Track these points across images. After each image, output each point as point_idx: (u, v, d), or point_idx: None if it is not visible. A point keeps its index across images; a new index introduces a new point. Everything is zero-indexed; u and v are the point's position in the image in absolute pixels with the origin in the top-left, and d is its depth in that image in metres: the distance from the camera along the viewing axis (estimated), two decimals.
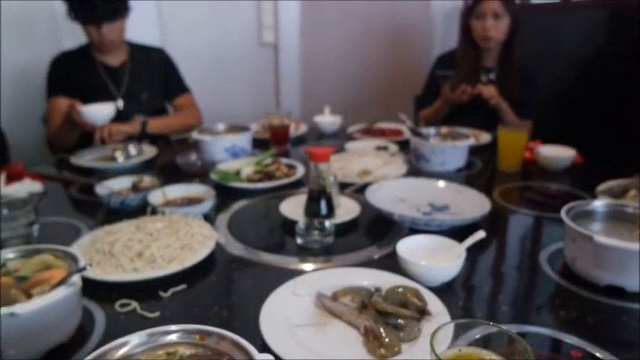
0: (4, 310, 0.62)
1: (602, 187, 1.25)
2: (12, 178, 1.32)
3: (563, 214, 0.91)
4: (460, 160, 1.54)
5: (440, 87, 1.96)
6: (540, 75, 2.05)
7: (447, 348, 0.53)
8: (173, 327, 0.55)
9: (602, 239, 0.82)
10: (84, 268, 0.71)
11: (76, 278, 0.70)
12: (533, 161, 1.58)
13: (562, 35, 2.33)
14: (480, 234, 0.91)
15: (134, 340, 0.54)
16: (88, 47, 1.88)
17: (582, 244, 0.86)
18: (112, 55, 1.89)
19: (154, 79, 1.97)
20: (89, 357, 0.51)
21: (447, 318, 0.72)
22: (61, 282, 0.68)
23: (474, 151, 1.66)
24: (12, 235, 0.92)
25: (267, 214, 1.26)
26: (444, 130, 1.65)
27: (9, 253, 0.76)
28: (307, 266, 0.95)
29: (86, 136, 1.72)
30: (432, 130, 1.64)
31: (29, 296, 0.68)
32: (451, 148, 1.50)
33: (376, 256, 0.99)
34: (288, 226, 1.10)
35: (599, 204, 0.97)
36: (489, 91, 1.87)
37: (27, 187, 1.28)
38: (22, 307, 0.63)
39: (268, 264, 0.96)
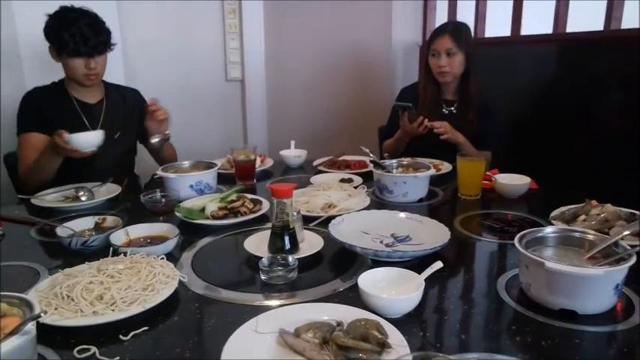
0: None
1: (555, 212, 1.30)
2: None
3: (516, 241, 0.95)
4: (422, 190, 1.58)
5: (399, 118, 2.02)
6: (496, 106, 2.14)
7: None
8: None
9: (553, 265, 0.85)
10: (39, 316, 0.70)
11: (31, 326, 0.69)
12: (492, 189, 1.64)
13: (514, 68, 2.45)
14: (438, 264, 0.94)
15: None
16: (61, 83, 1.88)
17: (535, 270, 0.89)
18: (89, 92, 1.89)
19: (128, 119, 1.97)
20: None
21: (407, 350, 0.74)
22: (14, 331, 0.67)
23: (435, 180, 1.71)
24: None
25: (231, 250, 1.26)
26: (406, 161, 1.70)
27: None
28: (272, 302, 0.95)
29: (64, 169, 1.71)
30: (394, 162, 1.69)
31: None
32: (412, 179, 1.55)
33: (341, 289, 1.00)
34: (253, 262, 1.11)
35: (549, 230, 1.02)
36: (441, 126, 1.95)
37: None
38: None
39: (232, 301, 0.96)
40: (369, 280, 0.91)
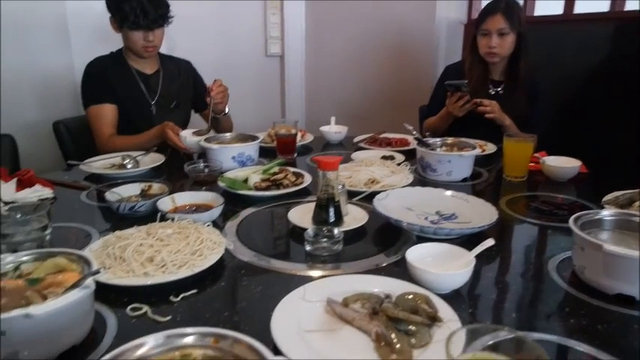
0: (19, 311, 0.63)
1: (609, 197, 1.25)
2: (23, 184, 1.33)
3: (571, 222, 0.92)
4: (466, 169, 1.54)
5: (446, 97, 1.97)
6: (544, 89, 2.06)
7: (460, 353, 0.53)
8: (189, 329, 0.56)
9: (611, 248, 0.82)
10: (98, 271, 0.71)
11: (90, 281, 0.70)
12: (539, 171, 1.59)
13: (565, 48, 2.35)
14: (489, 242, 0.92)
15: (150, 341, 0.54)
16: (119, 53, 1.93)
17: (591, 253, 0.86)
18: (146, 62, 1.94)
19: (183, 88, 2.02)
20: (106, 357, 0.51)
21: (458, 324, 0.72)
22: (76, 284, 0.69)
23: (479, 161, 1.67)
24: (25, 238, 0.93)
25: (274, 221, 1.27)
26: (450, 140, 1.66)
27: (23, 256, 0.77)
28: (316, 273, 0.95)
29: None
30: (438, 140, 1.65)
31: (44, 298, 0.69)
32: (457, 158, 1.51)
33: (384, 264, 0.99)
34: (296, 233, 1.11)
35: (607, 213, 0.98)
36: (490, 104, 1.89)
37: (37, 192, 1.29)
38: (37, 309, 0.63)
39: (277, 270, 0.97)
40: (416, 255, 0.90)
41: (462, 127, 1.97)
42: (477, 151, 1.55)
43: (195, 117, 2.15)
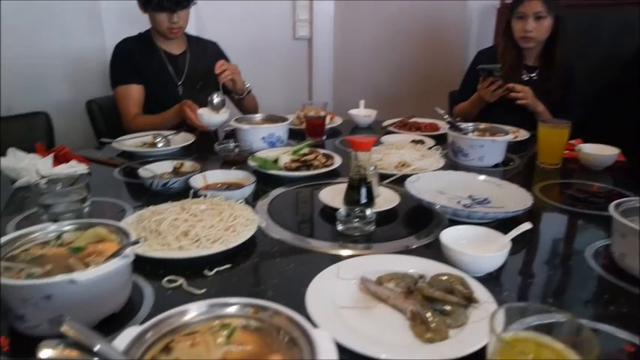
0: (64, 277, 0.64)
1: None
2: (59, 160, 1.36)
3: (612, 209, 0.89)
4: (498, 155, 1.52)
5: (478, 82, 1.93)
6: (581, 73, 2.00)
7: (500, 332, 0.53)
8: (232, 299, 0.56)
9: None
10: (137, 242, 0.73)
11: (129, 251, 0.72)
12: (573, 159, 1.55)
13: (603, 32, 2.27)
14: (527, 225, 0.90)
15: (193, 308, 0.55)
16: (148, 34, 1.95)
17: (633, 241, 0.84)
18: (173, 43, 1.96)
19: (209, 69, 2.01)
20: (150, 321, 0.52)
21: (495, 306, 0.72)
22: (116, 253, 0.70)
23: (511, 147, 1.64)
24: (65, 209, 0.95)
25: (305, 201, 1.27)
26: (483, 125, 1.63)
27: (65, 226, 0.79)
28: (347, 252, 0.95)
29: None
30: (470, 125, 1.63)
31: (85, 265, 0.70)
32: (490, 143, 1.49)
33: (414, 246, 0.98)
34: (327, 213, 1.11)
35: None
36: (523, 90, 1.84)
37: (73, 168, 1.32)
38: (81, 275, 0.65)
39: (308, 248, 0.97)
40: (450, 237, 0.88)
41: (493, 113, 1.94)
42: (510, 137, 1.53)
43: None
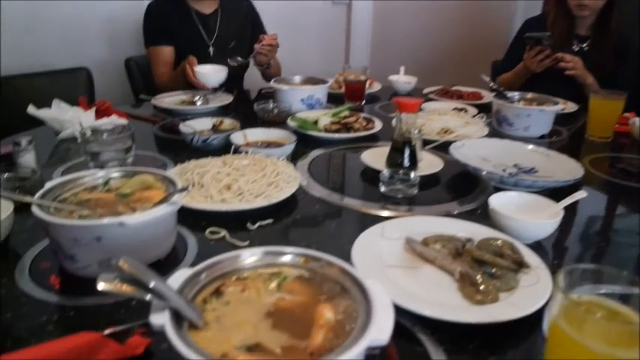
0: (115, 219, 0.65)
1: None
2: (100, 114, 1.37)
3: None
4: (545, 125, 1.46)
5: (524, 51, 1.85)
6: (635, 46, 1.89)
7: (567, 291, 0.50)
8: (287, 248, 0.56)
9: None
10: (186, 189, 0.72)
11: (177, 198, 0.71)
12: (624, 133, 1.48)
13: None
14: (581, 194, 0.86)
15: (246, 254, 0.55)
16: None
17: None
18: (205, 2, 1.91)
19: (241, 28, 1.99)
20: (204, 263, 0.52)
21: (547, 272, 0.69)
22: (164, 200, 0.70)
23: (557, 119, 1.57)
24: (111, 158, 0.95)
25: (346, 162, 1.25)
26: (530, 95, 1.56)
27: (113, 172, 0.79)
28: (388, 214, 0.93)
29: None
30: (516, 94, 1.56)
31: (133, 211, 0.71)
32: (538, 113, 1.43)
33: (455, 212, 0.96)
34: (369, 174, 1.10)
35: None
36: (572, 60, 1.75)
37: (114, 122, 1.32)
38: (130, 219, 0.65)
39: (350, 208, 0.96)
40: (499, 202, 0.86)
41: (538, 85, 1.85)
42: (560, 107, 1.46)
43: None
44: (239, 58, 1.78)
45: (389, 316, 0.46)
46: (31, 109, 1.28)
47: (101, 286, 0.45)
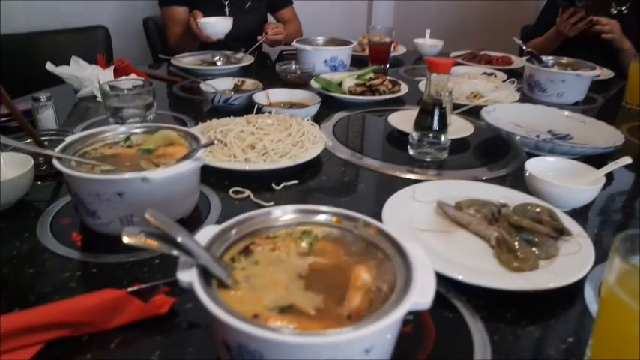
0: (137, 174, 0.62)
1: None
2: (119, 73, 1.34)
3: None
4: (580, 92, 1.39)
5: (557, 15, 1.76)
6: None
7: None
8: (321, 207, 0.53)
9: None
10: (212, 143, 0.70)
11: (201, 154, 0.68)
12: None
13: None
14: (625, 160, 0.81)
15: (277, 212, 0.52)
16: None
17: None
18: None
19: None
20: (233, 219, 0.49)
21: (588, 240, 0.65)
22: (188, 155, 0.67)
23: (592, 86, 1.50)
24: (132, 114, 0.93)
25: (371, 124, 1.21)
26: (565, 59, 1.49)
27: (135, 128, 0.76)
28: (415, 177, 0.90)
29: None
30: (550, 59, 1.49)
31: (156, 167, 0.68)
32: (573, 78, 1.36)
33: (484, 178, 0.91)
34: (396, 137, 1.06)
35: None
36: (609, 23, 1.66)
37: (134, 81, 1.29)
38: (153, 174, 0.62)
39: (377, 170, 0.92)
40: (535, 168, 0.81)
41: (571, 50, 1.76)
42: (597, 72, 1.38)
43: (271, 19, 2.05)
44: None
45: (431, 279, 0.43)
46: (50, 66, 1.25)
47: (126, 239, 0.43)
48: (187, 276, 0.42)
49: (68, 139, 0.71)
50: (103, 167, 0.67)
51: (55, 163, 0.64)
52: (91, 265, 0.62)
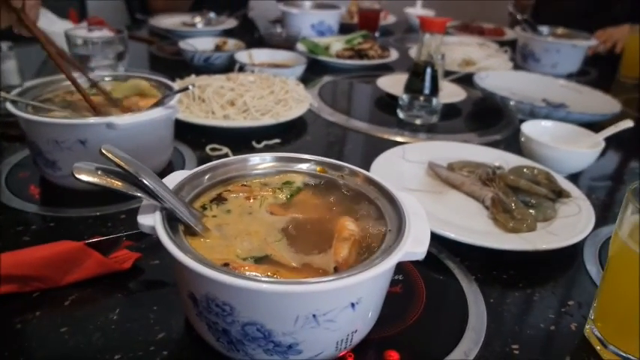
0: (102, 119, 0.56)
1: None
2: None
3: None
4: (574, 63, 1.35)
5: None
6: None
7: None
8: (304, 155, 0.47)
9: None
10: (187, 89, 0.63)
11: (174, 102, 0.62)
12: None
13: None
14: (627, 123, 0.77)
15: (255, 159, 0.46)
16: None
17: None
18: None
19: None
20: (205, 165, 0.44)
21: (588, 203, 0.61)
22: (160, 102, 0.61)
23: (586, 60, 1.46)
24: (102, 64, 0.86)
25: (358, 88, 1.16)
26: (560, 30, 1.44)
27: (104, 76, 0.70)
28: (406, 140, 0.85)
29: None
30: (545, 28, 1.44)
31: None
32: (568, 48, 1.31)
33: (476, 143, 0.87)
34: (385, 101, 1.01)
35: None
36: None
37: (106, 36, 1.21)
38: (120, 119, 0.56)
39: (365, 132, 0.87)
40: (532, 131, 0.77)
41: (579, 13, 1.67)
42: (593, 42, 1.34)
43: None
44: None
45: (425, 228, 0.39)
46: None
47: (78, 175, 0.37)
48: (149, 220, 0.37)
49: (27, 84, 0.64)
50: (64, 113, 0.60)
51: (10, 106, 0.57)
52: (49, 218, 0.56)
